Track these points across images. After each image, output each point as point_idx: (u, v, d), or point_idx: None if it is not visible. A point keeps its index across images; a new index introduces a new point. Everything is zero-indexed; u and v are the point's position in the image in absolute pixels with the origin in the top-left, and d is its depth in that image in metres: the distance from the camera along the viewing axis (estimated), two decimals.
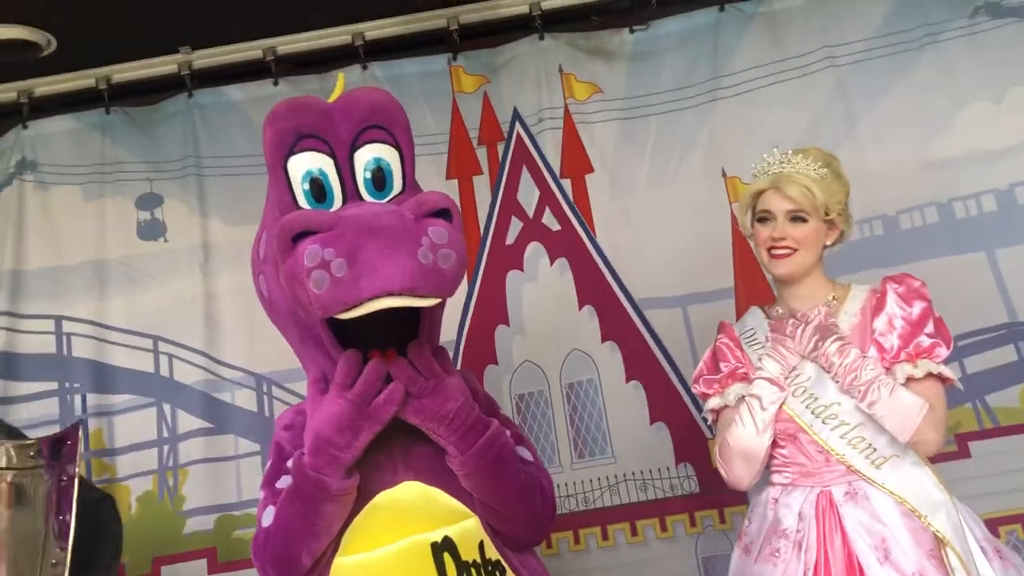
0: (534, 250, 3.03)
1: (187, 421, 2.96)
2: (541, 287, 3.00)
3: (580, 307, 2.96)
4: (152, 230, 3.11)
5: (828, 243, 1.95)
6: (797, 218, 1.89)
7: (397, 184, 1.69)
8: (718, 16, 3.08)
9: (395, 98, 1.73)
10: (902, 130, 2.90)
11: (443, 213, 1.52)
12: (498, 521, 1.71)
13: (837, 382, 1.83)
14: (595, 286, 2.96)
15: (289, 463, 1.71)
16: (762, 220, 1.94)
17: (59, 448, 1.70)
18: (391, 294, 1.43)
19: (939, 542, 1.75)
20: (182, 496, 2.90)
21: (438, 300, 1.55)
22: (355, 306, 1.44)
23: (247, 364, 2.98)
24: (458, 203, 2.93)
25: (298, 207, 1.62)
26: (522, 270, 3.02)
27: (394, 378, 1.58)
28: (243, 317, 2.94)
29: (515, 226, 3.06)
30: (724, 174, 2.95)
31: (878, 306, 1.89)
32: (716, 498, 2.70)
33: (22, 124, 3.17)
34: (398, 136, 1.70)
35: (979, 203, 2.83)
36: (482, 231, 3.05)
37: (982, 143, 2.86)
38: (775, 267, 1.93)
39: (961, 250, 2.79)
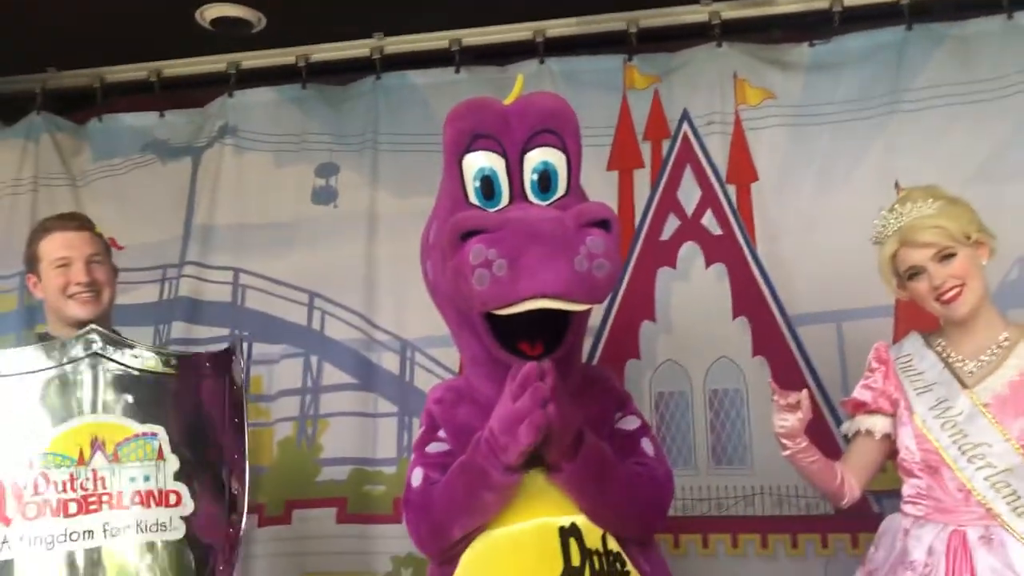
0: (689, 250, 3.00)
1: (333, 375, 3.14)
2: (693, 288, 2.96)
3: (734, 317, 2.91)
4: (325, 195, 3.33)
5: (984, 263, 1.89)
6: (945, 256, 1.85)
7: (561, 187, 1.76)
8: (905, 35, 2.95)
9: (569, 105, 1.80)
10: None
11: (603, 223, 1.58)
12: (604, 526, 1.76)
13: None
14: (751, 297, 2.91)
15: (440, 432, 1.86)
16: (913, 277, 1.89)
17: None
18: (545, 296, 1.52)
19: None
20: (319, 445, 3.08)
21: (588, 306, 1.63)
22: (511, 304, 1.54)
23: (395, 329, 3.13)
24: (616, 195, 3.03)
25: (468, 202, 1.74)
26: (675, 267, 3.00)
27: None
28: (397, 284, 3.09)
29: (671, 223, 3.03)
30: (898, 185, 2.85)
31: None
32: (850, 523, 2.64)
33: (228, 93, 3.46)
34: (567, 142, 1.76)
35: None
36: (637, 225, 3.04)
37: None
38: (955, 311, 1.86)
39: None
